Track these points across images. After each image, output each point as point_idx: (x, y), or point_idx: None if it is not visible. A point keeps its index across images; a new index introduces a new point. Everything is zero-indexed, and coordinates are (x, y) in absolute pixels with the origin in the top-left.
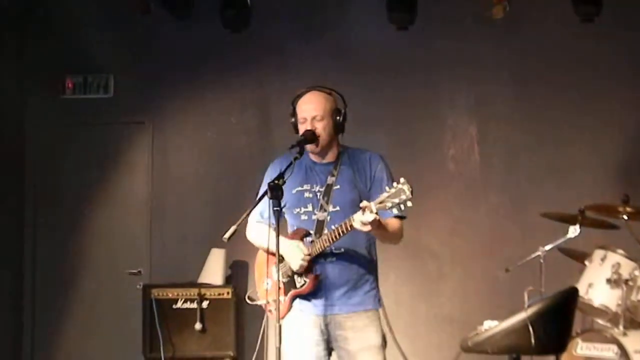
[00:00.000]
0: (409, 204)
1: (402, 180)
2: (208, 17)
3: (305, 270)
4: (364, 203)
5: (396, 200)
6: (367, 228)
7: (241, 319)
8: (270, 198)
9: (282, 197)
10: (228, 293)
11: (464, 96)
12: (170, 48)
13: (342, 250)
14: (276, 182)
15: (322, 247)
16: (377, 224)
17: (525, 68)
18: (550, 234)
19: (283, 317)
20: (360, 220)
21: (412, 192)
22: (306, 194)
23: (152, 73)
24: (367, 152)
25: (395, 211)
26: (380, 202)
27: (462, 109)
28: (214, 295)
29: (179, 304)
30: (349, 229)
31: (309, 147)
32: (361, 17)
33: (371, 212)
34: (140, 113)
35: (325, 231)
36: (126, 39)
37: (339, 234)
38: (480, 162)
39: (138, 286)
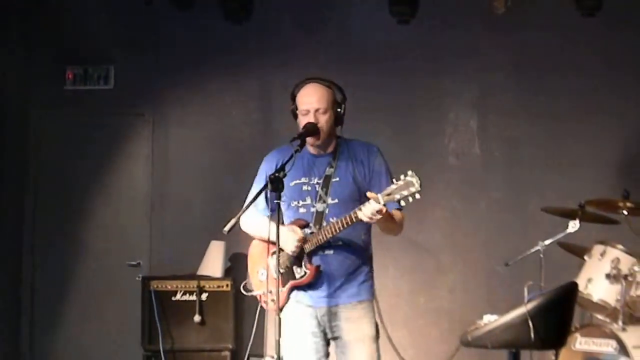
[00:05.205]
0: (417, 196)
1: (410, 172)
2: (210, 9)
3: (305, 261)
4: (372, 194)
5: (405, 193)
6: (377, 218)
7: (240, 311)
8: (270, 191)
9: (282, 190)
10: (227, 285)
11: (465, 90)
12: (171, 40)
13: (340, 242)
14: (277, 174)
15: (324, 239)
16: (386, 216)
17: (526, 62)
18: (550, 229)
19: (281, 309)
20: (370, 211)
21: (420, 185)
22: (304, 187)
23: (153, 65)
24: (365, 145)
25: (402, 203)
26: (388, 194)
27: (463, 103)
28: (213, 287)
29: (178, 296)
30: (354, 221)
31: (309, 139)
32: (363, 10)
33: (378, 203)
34: (140, 105)
35: (324, 223)
36: (127, 31)
37: (342, 226)
38: (481, 155)
39: (137, 278)
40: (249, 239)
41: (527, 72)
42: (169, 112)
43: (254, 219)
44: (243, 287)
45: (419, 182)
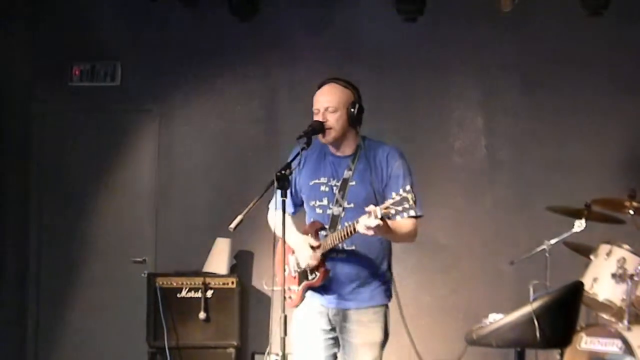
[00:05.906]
0: (412, 212)
1: (407, 188)
2: (216, 6)
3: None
4: (370, 207)
5: (399, 208)
6: (371, 232)
7: (245, 308)
8: (276, 188)
9: (288, 187)
10: (233, 282)
11: (470, 89)
12: (178, 36)
13: (353, 247)
14: (283, 172)
15: (332, 244)
16: (384, 229)
17: (532, 61)
18: (556, 228)
19: (296, 306)
20: (365, 224)
21: (415, 202)
22: (322, 187)
23: (159, 61)
24: (386, 147)
25: (400, 216)
26: (385, 209)
27: (468, 102)
28: (219, 284)
29: (184, 293)
30: (353, 232)
31: (321, 138)
32: (369, 8)
33: (376, 217)
34: (147, 101)
35: (339, 227)
36: (134, 27)
37: (345, 235)
38: (487, 155)
39: (143, 274)
40: (255, 236)
41: (534, 71)
42: (175, 108)
43: (274, 215)
44: (265, 281)
45: (413, 199)
